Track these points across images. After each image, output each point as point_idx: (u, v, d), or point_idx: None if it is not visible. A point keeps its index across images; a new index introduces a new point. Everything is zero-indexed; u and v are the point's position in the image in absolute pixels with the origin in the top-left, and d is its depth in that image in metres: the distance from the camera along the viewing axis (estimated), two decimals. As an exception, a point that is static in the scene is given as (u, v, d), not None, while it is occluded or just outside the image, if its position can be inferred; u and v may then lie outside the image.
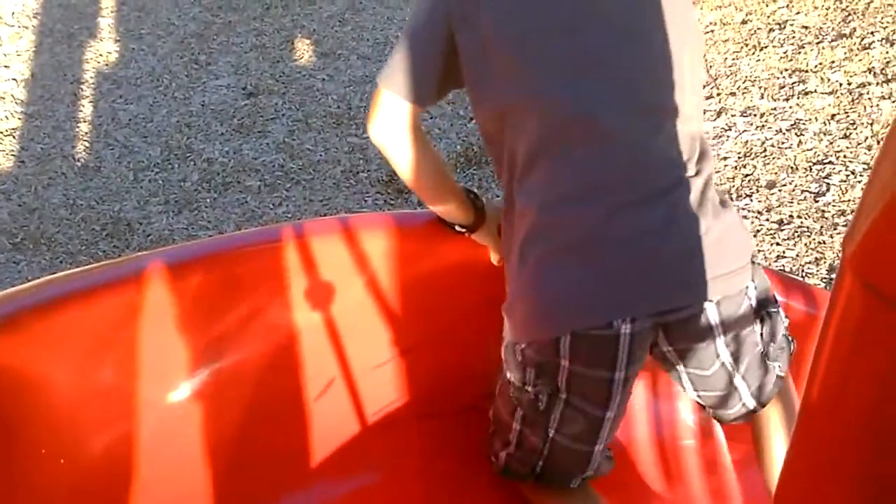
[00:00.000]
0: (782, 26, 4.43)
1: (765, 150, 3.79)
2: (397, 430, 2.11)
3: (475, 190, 2.05)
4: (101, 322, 1.86)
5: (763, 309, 1.84)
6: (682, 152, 1.73)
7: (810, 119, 3.91)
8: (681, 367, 1.86)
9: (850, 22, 4.41)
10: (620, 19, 1.73)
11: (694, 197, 1.72)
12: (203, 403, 1.96)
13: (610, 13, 1.72)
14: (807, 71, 4.16)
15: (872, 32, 4.31)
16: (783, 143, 3.82)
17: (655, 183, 1.72)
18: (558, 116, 1.72)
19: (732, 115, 3.96)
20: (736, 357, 1.83)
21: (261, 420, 2.01)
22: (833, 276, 3.26)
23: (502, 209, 1.89)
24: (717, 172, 3.69)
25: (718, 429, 2.17)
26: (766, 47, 4.32)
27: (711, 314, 1.76)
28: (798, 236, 3.42)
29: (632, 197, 1.71)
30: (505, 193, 1.85)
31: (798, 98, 4.02)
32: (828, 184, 3.61)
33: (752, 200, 3.57)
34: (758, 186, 3.63)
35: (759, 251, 3.34)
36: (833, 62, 4.18)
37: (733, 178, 3.67)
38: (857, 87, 4.02)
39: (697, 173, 1.75)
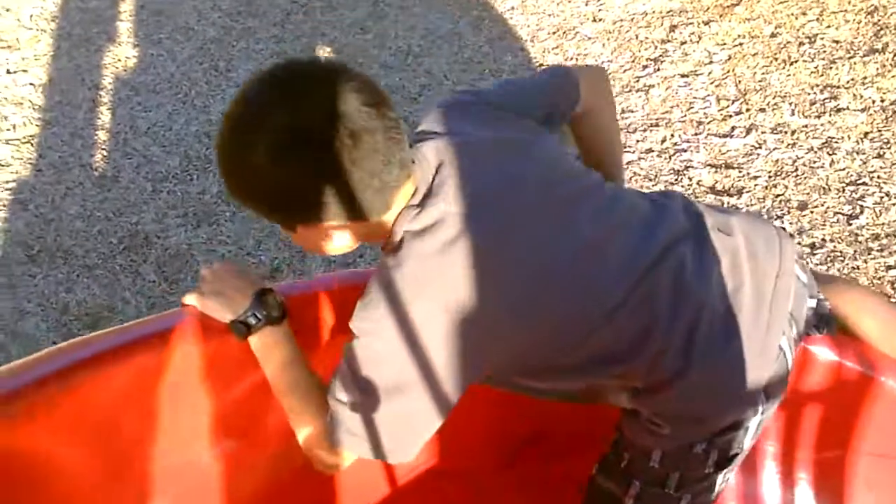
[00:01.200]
0: (812, 40, 4.34)
1: (796, 170, 3.71)
2: (428, 489, 2.04)
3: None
4: (114, 394, 1.78)
5: None
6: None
7: (843, 137, 3.82)
8: None
9: (882, 37, 4.32)
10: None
11: None
12: (226, 469, 1.89)
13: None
14: (838, 87, 4.07)
15: (905, 48, 4.22)
16: (815, 162, 3.73)
17: None
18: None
19: (763, 133, 3.88)
20: None
21: (286, 484, 1.93)
22: (867, 302, 3.17)
23: None
24: (748, 192, 3.62)
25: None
26: (796, 62, 4.23)
27: None
28: (831, 261, 3.34)
29: None
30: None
31: (830, 115, 3.93)
32: (861, 206, 3.53)
33: (783, 222, 3.49)
34: (789, 207, 3.55)
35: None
36: (865, 78, 4.09)
37: (764, 198, 3.59)
38: (891, 105, 3.93)
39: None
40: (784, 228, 3.37)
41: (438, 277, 1.59)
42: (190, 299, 1.89)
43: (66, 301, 3.37)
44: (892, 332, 1.99)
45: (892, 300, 3.18)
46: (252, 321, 1.78)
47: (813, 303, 1.96)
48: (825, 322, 1.98)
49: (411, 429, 1.65)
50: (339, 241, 1.67)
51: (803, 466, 2.08)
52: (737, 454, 1.85)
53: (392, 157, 1.57)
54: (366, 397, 1.61)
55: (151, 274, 3.45)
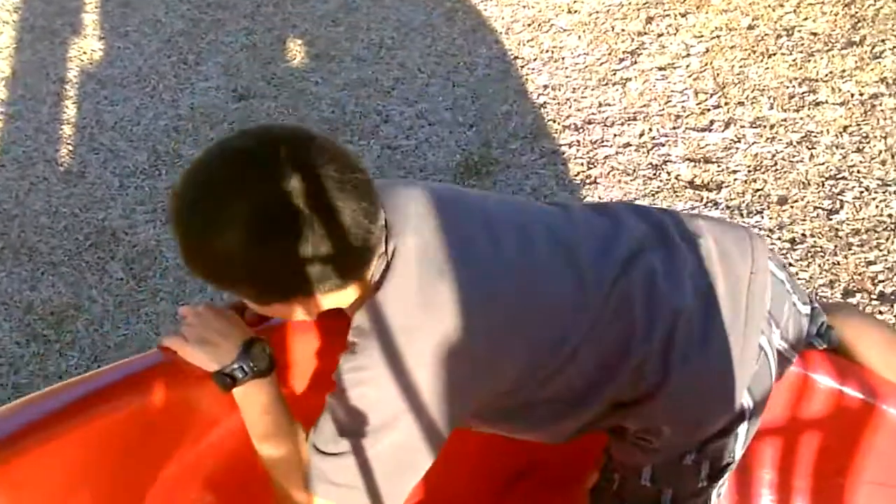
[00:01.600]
0: (790, 32, 4.29)
1: (775, 164, 3.66)
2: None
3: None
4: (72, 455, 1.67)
5: None
6: None
7: (822, 131, 3.78)
8: None
9: (859, 29, 4.28)
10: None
11: None
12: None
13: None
14: (817, 80, 4.02)
15: (883, 41, 4.18)
16: (794, 156, 3.69)
17: None
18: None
19: (742, 127, 3.82)
20: None
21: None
22: (848, 299, 3.13)
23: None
24: (727, 187, 3.57)
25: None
26: (774, 54, 4.18)
27: None
28: (811, 256, 3.29)
29: None
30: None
31: (809, 109, 3.89)
32: (841, 200, 3.48)
33: (763, 217, 3.44)
34: (769, 202, 3.50)
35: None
36: (844, 71, 4.05)
37: (743, 192, 3.54)
38: (870, 98, 3.89)
39: None
40: (752, 228, 3.33)
41: (423, 316, 1.55)
42: (170, 342, 1.74)
43: (30, 299, 3.27)
44: (893, 358, 1.95)
45: (873, 297, 3.14)
46: (239, 374, 1.66)
47: (807, 309, 1.92)
48: (824, 336, 1.94)
49: (405, 470, 1.60)
50: (317, 308, 1.61)
51: (801, 495, 2.02)
52: (728, 464, 1.80)
53: (371, 219, 1.51)
54: (358, 444, 1.55)
55: (119, 271, 3.36)
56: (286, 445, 1.67)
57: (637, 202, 3.53)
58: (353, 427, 1.55)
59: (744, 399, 1.76)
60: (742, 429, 1.78)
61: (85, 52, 4.45)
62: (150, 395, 1.71)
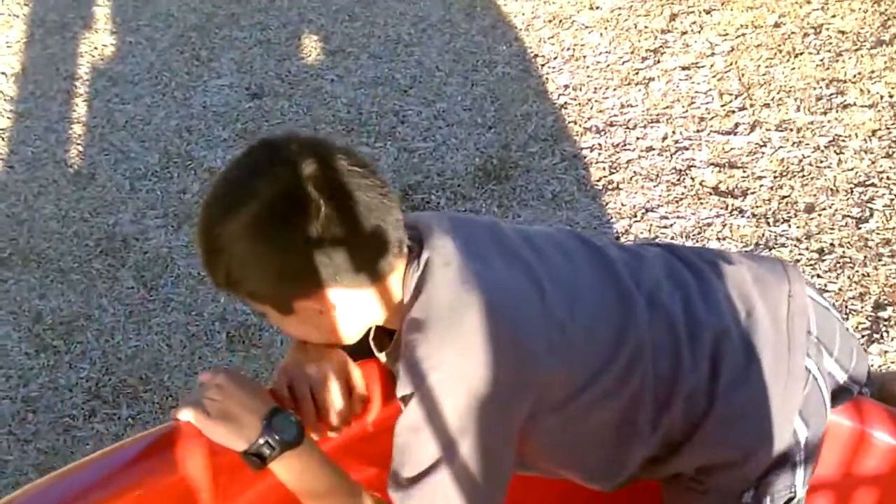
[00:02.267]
0: (818, 31, 4.19)
1: (802, 170, 3.56)
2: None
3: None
4: None
5: None
6: None
7: (850, 135, 3.68)
8: None
9: (889, 27, 4.17)
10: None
11: None
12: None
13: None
14: (845, 81, 3.92)
15: (914, 40, 4.07)
16: (822, 161, 3.59)
17: None
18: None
19: (767, 130, 3.73)
20: None
21: None
22: (879, 313, 3.04)
23: None
24: (753, 194, 3.47)
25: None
26: (801, 54, 4.08)
27: None
28: (840, 267, 3.20)
29: None
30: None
31: (837, 111, 3.79)
32: (871, 209, 3.38)
33: (790, 226, 3.34)
34: (796, 210, 3.41)
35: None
36: (873, 72, 3.94)
37: (769, 199, 3.44)
38: (900, 101, 3.79)
39: None
40: (779, 236, 3.23)
41: (471, 326, 1.50)
42: (190, 416, 1.61)
43: (39, 309, 3.20)
44: None
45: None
46: (266, 451, 1.56)
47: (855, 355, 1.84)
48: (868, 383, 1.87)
49: (502, 480, 1.57)
50: (342, 315, 1.54)
51: None
52: (791, 499, 1.73)
53: (384, 210, 1.50)
54: (440, 462, 1.50)
55: (130, 279, 3.29)
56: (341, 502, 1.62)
57: (660, 209, 3.44)
58: (429, 448, 1.50)
59: (796, 425, 1.71)
60: (799, 458, 1.72)
61: (96, 48, 4.37)
62: (148, 485, 1.63)
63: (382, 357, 1.69)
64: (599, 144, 3.73)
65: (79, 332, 3.13)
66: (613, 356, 1.61)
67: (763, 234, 3.31)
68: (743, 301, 1.74)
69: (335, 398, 1.68)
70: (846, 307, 3.07)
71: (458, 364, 1.48)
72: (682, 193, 3.50)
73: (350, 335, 1.60)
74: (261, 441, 1.55)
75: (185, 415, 1.59)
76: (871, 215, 3.37)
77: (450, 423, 1.48)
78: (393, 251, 1.52)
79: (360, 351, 1.74)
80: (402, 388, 1.52)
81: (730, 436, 1.68)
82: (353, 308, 1.54)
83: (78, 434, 2.84)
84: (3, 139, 3.90)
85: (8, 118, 3.99)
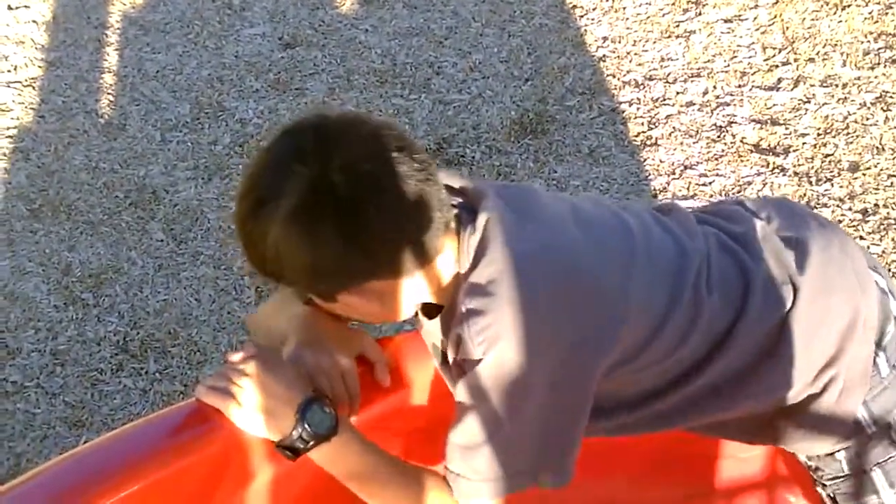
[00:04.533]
0: (866, -17, 4.06)
1: (847, 127, 3.46)
2: None
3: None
4: None
5: None
6: None
7: (898, 92, 3.58)
8: None
9: (940, -20, 4.04)
10: None
11: None
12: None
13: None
14: (894, 35, 3.80)
15: (966, -7, 3.94)
16: (868, 118, 3.49)
17: None
18: None
19: (811, 86, 3.62)
20: None
21: None
22: (923, 276, 2.96)
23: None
24: (795, 152, 3.38)
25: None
26: (848, 6, 3.95)
27: None
28: (885, 229, 3.11)
29: None
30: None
31: (885, 66, 3.68)
32: (917, 168, 3.29)
33: (832, 186, 3.26)
34: (840, 169, 3.31)
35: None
36: (923, 26, 3.82)
37: (812, 157, 3.35)
38: (950, 57, 3.68)
39: None
40: (821, 196, 3.15)
41: (540, 278, 1.45)
42: (218, 403, 1.54)
43: (68, 260, 3.18)
44: None
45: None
46: (300, 445, 1.50)
47: None
48: None
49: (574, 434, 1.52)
50: (387, 303, 1.48)
51: None
52: None
53: (430, 197, 1.41)
54: (515, 426, 1.46)
55: (159, 232, 3.25)
56: (386, 485, 1.56)
57: (700, 166, 3.35)
58: (501, 413, 1.45)
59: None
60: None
61: (128, -5, 4.31)
62: (169, 467, 1.58)
63: (429, 324, 1.60)
64: (638, 99, 3.64)
65: (107, 284, 3.10)
66: (677, 300, 1.55)
67: (805, 194, 3.23)
68: (792, 230, 1.70)
69: (349, 387, 1.62)
70: (889, 270, 2.99)
71: (532, 323, 1.42)
72: (723, 150, 3.41)
73: (399, 317, 1.53)
74: (294, 435, 1.49)
75: (213, 400, 1.54)
76: (918, 175, 3.28)
77: (523, 383, 1.43)
78: (438, 232, 1.43)
79: None
80: (468, 354, 1.45)
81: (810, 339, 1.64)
82: (398, 295, 1.47)
83: (105, 388, 2.83)
84: (33, 88, 3.86)
85: (39, 67, 3.95)
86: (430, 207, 1.41)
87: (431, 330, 1.60)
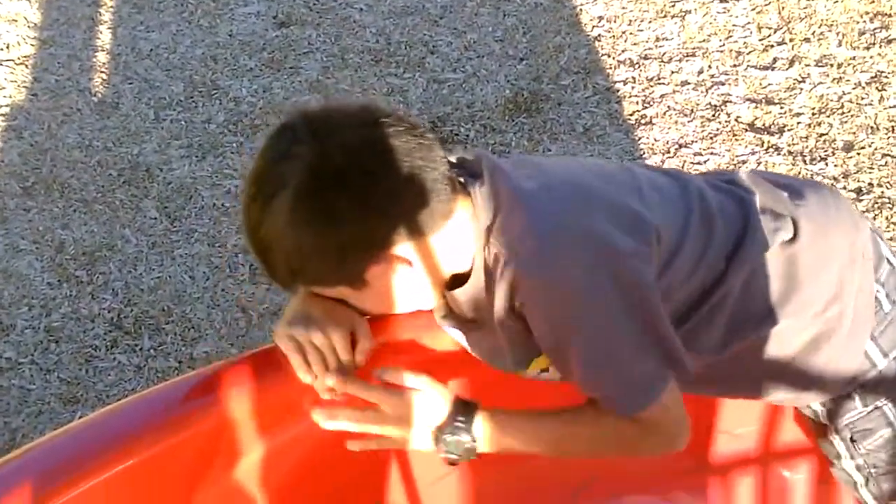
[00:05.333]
0: (861, -38, 4.06)
1: (842, 107, 3.46)
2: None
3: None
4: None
5: None
6: None
7: (893, 71, 3.57)
8: None
9: (936, -40, 4.03)
10: None
11: None
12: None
13: None
14: (890, 15, 3.80)
15: (961, -27, 3.93)
16: (862, 98, 3.49)
17: None
18: None
19: (806, 65, 3.62)
20: None
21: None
22: (917, 255, 2.96)
23: None
24: (790, 131, 3.38)
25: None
26: (843, -14, 3.95)
27: None
28: (878, 208, 3.12)
29: None
30: None
31: (880, 46, 3.67)
32: (912, 148, 3.29)
33: (827, 164, 3.26)
34: (834, 148, 3.31)
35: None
36: (918, 6, 3.82)
37: (807, 137, 3.35)
38: (945, 37, 3.67)
39: None
40: (815, 176, 3.15)
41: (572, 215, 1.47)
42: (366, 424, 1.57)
43: (61, 238, 3.17)
44: None
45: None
46: (448, 460, 1.57)
47: None
48: None
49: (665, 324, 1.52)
50: (417, 271, 1.48)
51: None
52: None
53: (431, 153, 1.43)
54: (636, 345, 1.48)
55: (153, 210, 3.25)
56: (559, 440, 1.59)
57: (695, 145, 3.35)
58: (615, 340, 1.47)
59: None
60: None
61: (121, -26, 4.29)
62: (162, 442, 1.58)
63: (457, 301, 1.58)
64: (633, 78, 3.64)
65: (101, 262, 3.10)
66: (688, 219, 1.58)
67: (799, 173, 3.23)
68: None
69: (342, 360, 1.61)
70: (883, 249, 2.99)
71: (572, 241, 1.43)
72: (717, 129, 3.41)
73: (432, 290, 1.53)
74: (440, 455, 1.55)
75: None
76: (912, 154, 3.28)
77: (596, 291, 1.44)
78: (446, 189, 1.44)
79: None
80: (532, 291, 1.45)
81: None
82: (424, 260, 1.47)
83: (100, 364, 2.82)
84: (26, 66, 3.85)
85: (31, 45, 3.94)
86: (432, 163, 1.43)
87: (461, 304, 1.57)
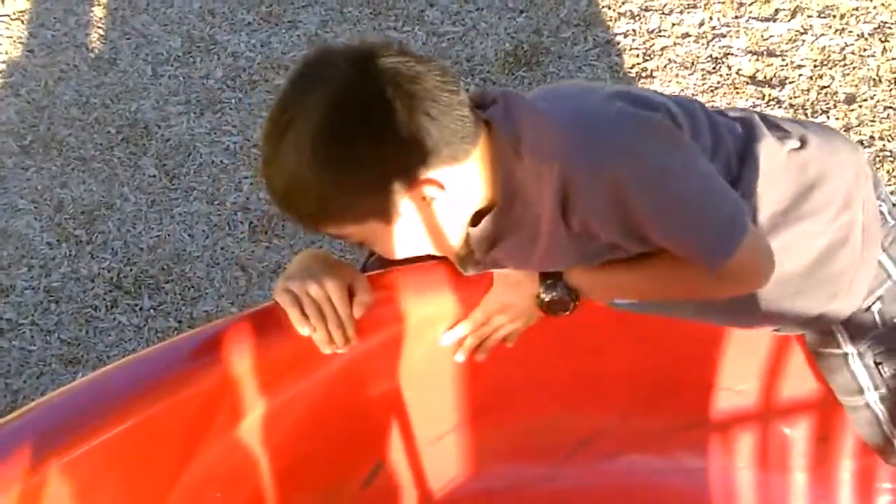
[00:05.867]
0: (865, -90, 4.00)
1: (844, 59, 3.43)
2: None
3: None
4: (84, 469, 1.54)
5: None
6: None
7: (896, 22, 3.54)
8: None
9: None
10: None
11: None
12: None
13: None
14: (893, -35, 3.76)
15: (966, -80, 3.88)
16: (865, 49, 3.45)
17: None
18: None
19: (809, 16, 3.58)
20: None
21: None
22: (919, 208, 2.94)
23: None
24: (791, 83, 3.35)
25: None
26: (846, -65, 3.90)
27: None
28: (880, 161, 3.10)
29: None
30: None
31: (883, -4, 3.64)
32: (915, 100, 3.27)
33: (828, 118, 3.23)
34: (836, 101, 3.29)
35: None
36: (922, -45, 3.77)
37: (808, 89, 3.33)
38: (949, -14, 3.63)
39: None
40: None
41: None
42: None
43: (60, 197, 3.16)
44: None
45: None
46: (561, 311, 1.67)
47: None
48: None
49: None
50: (451, 196, 1.46)
51: None
52: None
53: (459, 94, 1.44)
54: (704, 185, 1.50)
55: (151, 168, 3.24)
56: (651, 288, 1.65)
57: (695, 98, 3.33)
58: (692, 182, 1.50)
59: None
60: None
61: (116, -73, 4.24)
62: (163, 401, 1.58)
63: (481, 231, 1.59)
64: (633, 30, 3.60)
65: (100, 221, 3.09)
66: (698, 122, 1.61)
67: (801, 126, 3.20)
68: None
69: (340, 310, 1.61)
70: (885, 202, 2.98)
71: (616, 125, 1.46)
72: (718, 82, 3.38)
73: (461, 224, 1.53)
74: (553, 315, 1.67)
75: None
76: (915, 107, 3.26)
77: (657, 166, 1.46)
78: (471, 118, 1.45)
79: None
80: (591, 178, 1.45)
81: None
82: (458, 186, 1.46)
83: (100, 325, 2.83)
84: (21, 22, 3.82)
85: (27, 0, 3.90)
86: (459, 91, 1.43)
87: (483, 240, 1.58)
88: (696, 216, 1.47)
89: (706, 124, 1.61)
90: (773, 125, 1.69)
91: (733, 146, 1.62)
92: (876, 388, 1.77)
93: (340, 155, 1.36)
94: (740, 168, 1.61)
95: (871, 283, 1.72)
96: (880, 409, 1.79)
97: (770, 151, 1.64)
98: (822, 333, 1.79)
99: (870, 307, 1.73)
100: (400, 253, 1.55)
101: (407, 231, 1.48)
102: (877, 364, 1.76)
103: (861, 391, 1.78)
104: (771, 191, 1.63)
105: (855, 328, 1.76)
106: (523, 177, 1.47)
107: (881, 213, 1.73)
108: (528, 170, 1.46)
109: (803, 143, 1.68)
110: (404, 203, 1.43)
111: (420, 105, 1.37)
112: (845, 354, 1.78)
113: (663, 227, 1.47)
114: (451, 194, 1.45)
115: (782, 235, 1.64)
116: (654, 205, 1.45)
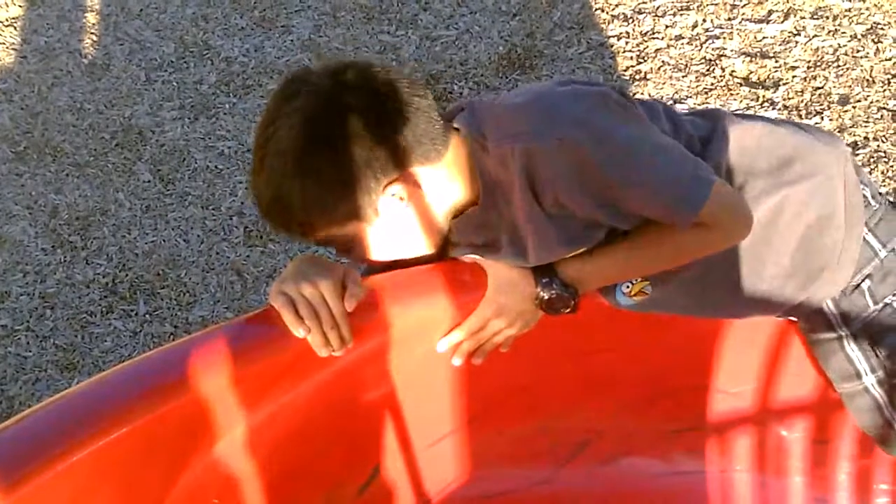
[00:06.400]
0: (857, -88, 4.01)
1: (837, 60, 3.44)
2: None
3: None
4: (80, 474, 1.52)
5: None
6: None
7: (889, 23, 3.54)
8: None
9: None
10: None
11: None
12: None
13: None
14: (885, -34, 3.76)
15: (958, -79, 3.89)
16: (858, 51, 3.46)
17: None
18: None
19: (802, 18, 3.59)
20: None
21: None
22: (913, 209, 2.95)
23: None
24: (785, 85, 3.36)
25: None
26: (839, -63, 3.91)
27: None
28: (874, 162, 3.11)
29: None
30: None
31: (876, -2, 3.65)
32: (908, 101, 3.28)
33: (822, 119, 3.24)
34: (829, 102, 3.30)
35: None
36: (915, -44, 3.78)
37: (802, 91, 3.33)
38: (942, -13, 3.64)
39: None
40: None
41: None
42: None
43: (55, 203, 3.16)
44: None
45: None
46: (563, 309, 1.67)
47: None
48: None
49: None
50: (428, 195, 1.57)
51: None
52: None
53: (429, 100, 1.55)
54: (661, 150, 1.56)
55: (146, 173, 3.23)
56: (645, 263, 1.68)
57: (689, 100, 3.33)
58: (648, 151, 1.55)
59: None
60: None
61: (109, -68, 4.24)
62: (159, 408, 1.58)
63: (465, 226, 1.65)
64: (627, 33, 3.61)
65: (95, 227, 3.08)
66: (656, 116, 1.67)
67: (795, 127, 3.21)
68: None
69: (334, 310, 1.62)
70: (879, 203, 2.98)
71: (573, 101, 1.54)
72: (712, 84, 3.39)
73: (440, 219, 1.61)
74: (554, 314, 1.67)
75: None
76: (908, 107, 3.26)
77: (617, 137, 1.52)
78: (441, 122, 1.55)
79: None
80: (549, 155, 1.50)
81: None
82: (432, 185, 1.56)
83: (95, 330, 2.82)
84: (14, 28, 3.81)
85: (19, 6, 3.90)
86: (429, 97, 1.54)
87: (468, 230, 1.65)
88: (662, 172, 1.53)
89: (664, 115, 1.66)
90: (744, 117, 1.75)
91: (695, 132, 1.68)
92: (873, 370, 1.78)
93: (320, 160, 1.46)
94: (704, 147, 1.67)
95: (858, 260, 1.75)
96: (878, 393, 1.79)
97: (740, 133, 1.70)
98: (816, 316, 1.81)
99: (859, 284, 1.75)
100: (384, 254, 1.63)
101: (387, 230, 1.57)
102: (872, 346, 1.77)
103: (858, 375, 1.79)
104: (746, 160, 1.69)
105: (847, 309, 1.78)
106: (495, 170, 1.55)
107: (864, 196, 1.76)
108: (495, 160, 1.54)
109: (776, 125, 1.74)
110: (382, 202, 1.51)
111: (392, 108, 1.48)
112: (840, 337, 1.79)
113: (629, 187, 1.52)
114: (426, 192, 1.55)
115: (769, 201, 1.69)
116: (617, 167, 1.51)
